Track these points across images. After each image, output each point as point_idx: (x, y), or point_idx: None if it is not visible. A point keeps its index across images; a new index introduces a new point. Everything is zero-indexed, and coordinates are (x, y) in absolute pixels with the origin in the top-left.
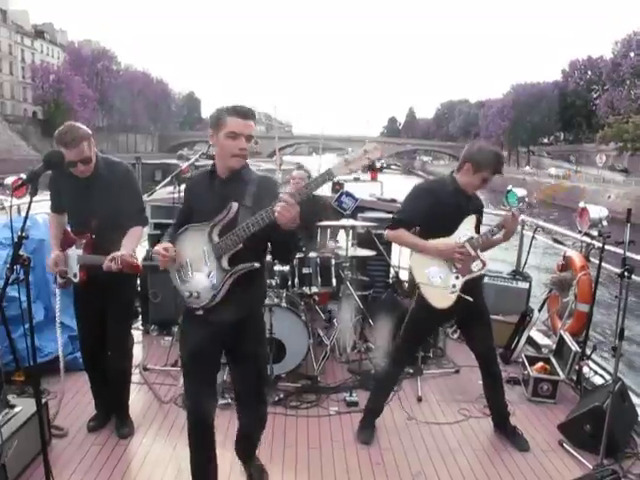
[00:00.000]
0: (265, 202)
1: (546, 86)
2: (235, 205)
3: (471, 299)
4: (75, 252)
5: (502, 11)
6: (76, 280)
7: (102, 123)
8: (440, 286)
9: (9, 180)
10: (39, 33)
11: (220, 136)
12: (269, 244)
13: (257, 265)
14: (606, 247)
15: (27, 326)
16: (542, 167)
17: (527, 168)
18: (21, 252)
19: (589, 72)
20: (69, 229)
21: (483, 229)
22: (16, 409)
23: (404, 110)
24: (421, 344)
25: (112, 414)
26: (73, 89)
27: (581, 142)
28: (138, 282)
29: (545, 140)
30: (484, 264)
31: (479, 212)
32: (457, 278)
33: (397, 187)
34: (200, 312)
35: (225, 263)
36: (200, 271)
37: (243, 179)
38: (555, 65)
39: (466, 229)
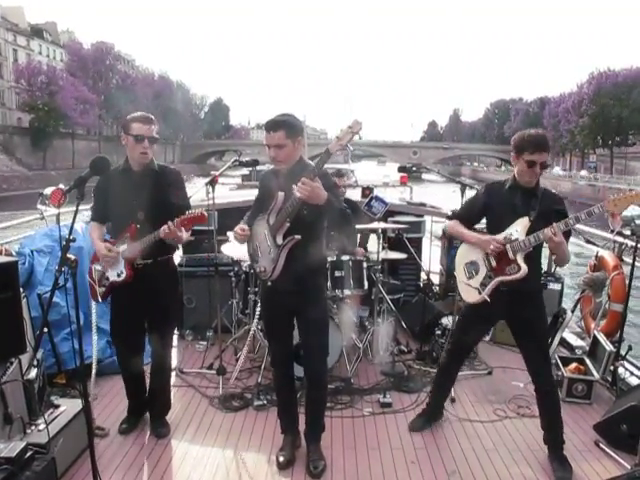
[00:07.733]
0: None
1: (636, 73)
2: (281, 195)
3: (488, 299)
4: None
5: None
6: (122, 278)
7: (111, 132)
8: (471, 281)
9: (48, 191)
10: (37, 32)
11: None
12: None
13: (297, 237)
14: None
15: (67, 330)
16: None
17: (583, 172)
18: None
19: None
20: (107, 235)
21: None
22: (60, 409)
23: (445, 114)
24: (472, 342)
25: (144, 414)
26: (67, 92)
27: None
28: None
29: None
30: (519, 269)
31: (548, 212)
32: (490, 277)
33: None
34: (269, 283)
35: (279, 240)
36: (264, 249)
37: (299, 173)
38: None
39: (515, 230)
